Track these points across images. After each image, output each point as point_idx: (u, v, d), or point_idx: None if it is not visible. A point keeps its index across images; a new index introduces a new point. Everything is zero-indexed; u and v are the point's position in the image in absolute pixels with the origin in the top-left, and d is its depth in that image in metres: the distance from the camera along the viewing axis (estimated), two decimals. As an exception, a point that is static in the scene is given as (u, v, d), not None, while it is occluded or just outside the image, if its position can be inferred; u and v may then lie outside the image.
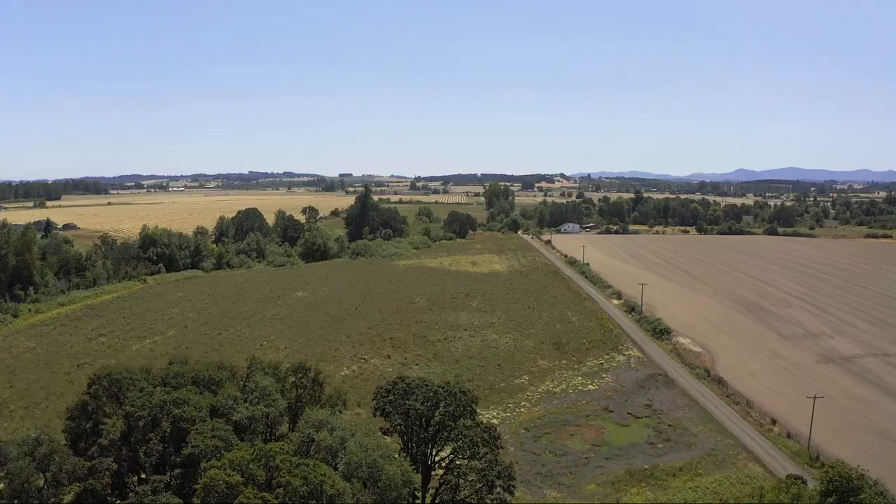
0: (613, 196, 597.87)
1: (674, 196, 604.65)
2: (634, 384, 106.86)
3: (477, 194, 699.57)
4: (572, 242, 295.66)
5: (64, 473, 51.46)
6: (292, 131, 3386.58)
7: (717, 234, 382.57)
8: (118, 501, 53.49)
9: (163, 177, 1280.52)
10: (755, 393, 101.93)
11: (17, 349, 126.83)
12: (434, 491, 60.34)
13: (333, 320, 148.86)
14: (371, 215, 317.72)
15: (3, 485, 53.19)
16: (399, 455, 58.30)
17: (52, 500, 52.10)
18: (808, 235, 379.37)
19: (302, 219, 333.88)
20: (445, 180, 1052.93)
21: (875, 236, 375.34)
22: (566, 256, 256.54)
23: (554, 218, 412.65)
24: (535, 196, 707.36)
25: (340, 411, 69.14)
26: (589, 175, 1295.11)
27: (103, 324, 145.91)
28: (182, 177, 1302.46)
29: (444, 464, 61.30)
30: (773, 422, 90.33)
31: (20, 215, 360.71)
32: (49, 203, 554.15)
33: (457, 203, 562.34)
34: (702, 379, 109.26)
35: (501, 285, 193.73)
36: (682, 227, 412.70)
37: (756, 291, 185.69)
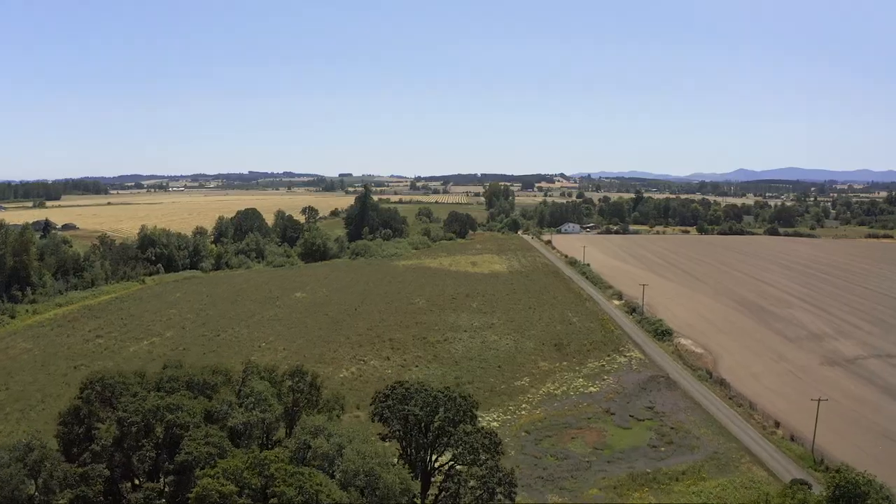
0: (613, 196, 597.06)
1: (674, 196, 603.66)
2: (636, 386, 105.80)
3: (477, 194, 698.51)
4: (572, 242, 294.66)
5: (55, 480, 50.40)
6: (292, 131, 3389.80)
7: (717, 234, 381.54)
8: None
9: (163, 177, 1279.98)
10: (758, 395, 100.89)
11: (13, 350, 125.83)
12: (433, 498, 59.29)
13: (332, 321, 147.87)
14: (371, 215, 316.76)
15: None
16: (398, 462, 57.25)
17: (44, 507, 51.09)
18: (809, 235, 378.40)
19: (301, 219, 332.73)
20: (445, 180, 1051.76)
21: (876, 236, 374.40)
22: (566, 257, 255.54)
23: (554, 218, 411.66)
24: (535, 196, 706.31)
25: (338, 415, 68.05)
26: (589, 175, 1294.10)
27: (101, 325, 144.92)
28: (182, 177, 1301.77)
29: (443, 470, 60.27)
30: (777, 424, 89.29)
31: (19, 215, 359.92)
32: (49, 203, 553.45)
33: (457, 203, 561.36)
34: (704, 381, 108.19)
35: (502, 286, 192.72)
36: (683, 228, 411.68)
37: (757, 292, 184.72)
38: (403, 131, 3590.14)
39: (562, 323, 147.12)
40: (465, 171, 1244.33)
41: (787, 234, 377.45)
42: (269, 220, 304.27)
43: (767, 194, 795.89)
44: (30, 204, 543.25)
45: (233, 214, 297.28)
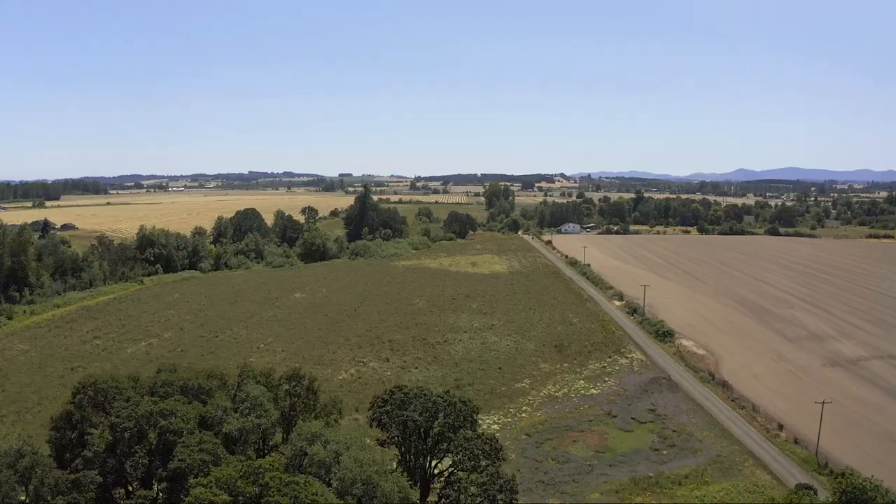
0: (614, 196, 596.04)
1: (674, 196, 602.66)
2: (638, 388, 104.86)
3: (477, 194, 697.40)
4: (573, 243, 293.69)
5: (46, 487, 49.35)
6: (292, 131, 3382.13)
7: (718, 234, 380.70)
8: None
9: (163, 177, 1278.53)
10: (760, 397, 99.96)
11: (10, 352, 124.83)
12: (433, 504, 58.41)
13: (332, 322, 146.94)
14: (370, 215, 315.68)
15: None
16: (396, 468, 56.20)
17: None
18: (809, 236, 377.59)
19: (301, 219, 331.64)
20: (445, 180, 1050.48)
21: (877, 236, 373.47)
22: (567, 257, 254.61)
23: (554, 218, 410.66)
24: (535, 196, 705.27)
25: (336, 420, 67.00)
26: (589, 175, 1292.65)
27: (99, 326, 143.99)
28: (182, 177, 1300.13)
29: (443, 477, 59.26)
30: (780, 427, 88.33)
31: (19, 215, 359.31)
32: (48, 203, 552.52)
33: (457, 203, 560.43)
34: (706, 382, 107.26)
35: (502, 286, 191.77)
36: (683, 228, 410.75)
37: (758, 292, 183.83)
38: (403, 131, 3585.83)
39: (562, 324, 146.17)
40: (465, 171, 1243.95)
41: (787, 235, 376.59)
42: (269, 220, 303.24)
43: (768, 194, 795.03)
44: (29, 204, 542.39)
45: (232, 214, 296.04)
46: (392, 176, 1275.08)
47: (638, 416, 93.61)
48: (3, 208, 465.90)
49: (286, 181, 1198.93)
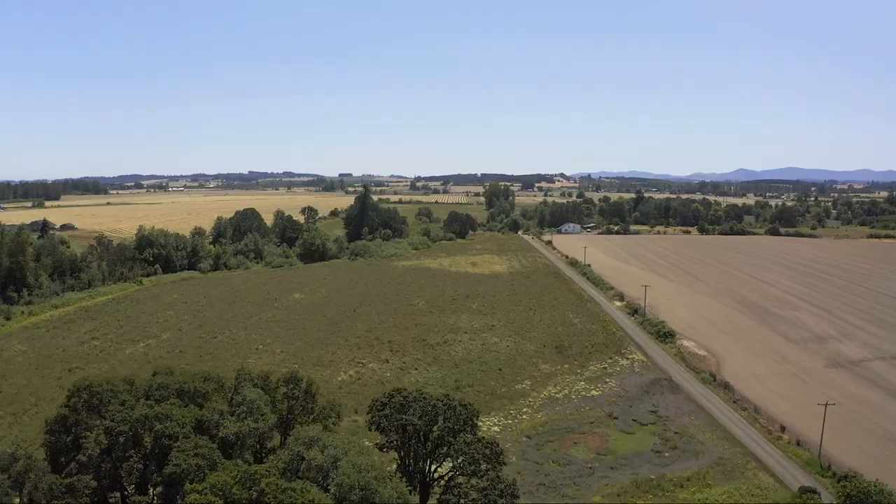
0: (614, 196, 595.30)
1: (674, 196, 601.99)
2: (639, 389, 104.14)
3: (477, 194, 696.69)
4: (573, 243, 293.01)
5: (41, 492, 48.66)
6: (292, 131, 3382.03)
7: (718, 234, 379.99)
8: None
9: (162, 177, 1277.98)
10: (762, 398, 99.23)
11: (8, 353, 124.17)
12: (432, 508, 57.66)
13: (331, 323, 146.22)
14: (370, 215, 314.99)
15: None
16: (395, 473, 55.45)
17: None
18: (810, 236, 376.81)
19: (301, 219, 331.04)
20: (445, 180, 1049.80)
21: (877, 236, 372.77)
22: (567, 257, 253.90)
23: (554, 218, 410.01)
24: (535, 196, 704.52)
25: (334, 423, 66.20)
26: (589, 175, 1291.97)
27: (97, 326, 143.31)
28: (182, 177, 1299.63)
29: (442, 481, 58.49)
30: (782, 429, 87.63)
31: (18, 215, 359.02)
32: (48, 203, 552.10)
33: (457, 203, 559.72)
34: (707, 384, 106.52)
35: (502, 287, 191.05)
36: (684, 228, 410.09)
37: (759, 292, 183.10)
38: (403, 131, 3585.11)
39: (563, 325, 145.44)
40: (465, 171, 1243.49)
41: (788, 235, 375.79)
42: (269, 220, 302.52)
43: (768, 194, 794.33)
44: (29, 204, 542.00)
45: (232, 215, 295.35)
46: (392, 176, 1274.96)
47: (639, 417, 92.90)
48: (3, 208, 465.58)
49: (286, 181, 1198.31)
